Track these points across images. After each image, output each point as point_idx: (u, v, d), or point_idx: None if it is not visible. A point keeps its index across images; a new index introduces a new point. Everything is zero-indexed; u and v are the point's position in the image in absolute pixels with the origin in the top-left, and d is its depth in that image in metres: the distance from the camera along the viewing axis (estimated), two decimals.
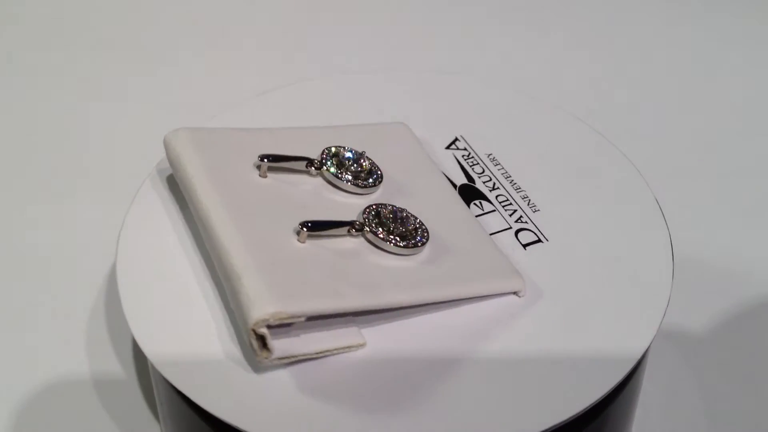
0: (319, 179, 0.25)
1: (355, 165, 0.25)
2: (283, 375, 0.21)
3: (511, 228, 0.26)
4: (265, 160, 0.24)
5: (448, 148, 0.28)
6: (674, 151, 0.37)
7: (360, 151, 0.26)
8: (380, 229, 0.23)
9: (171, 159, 0.25)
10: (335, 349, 0.22)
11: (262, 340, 0.21)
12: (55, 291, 0.32)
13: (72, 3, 0.44)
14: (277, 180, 0.25)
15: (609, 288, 0.24)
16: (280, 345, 0.21)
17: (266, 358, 0.21)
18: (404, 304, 0.22)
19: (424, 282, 0.23)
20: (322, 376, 0.22)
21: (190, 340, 0.22)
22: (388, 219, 0.24)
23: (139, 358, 0.30)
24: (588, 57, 0.42)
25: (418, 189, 0.26)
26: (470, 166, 0.28)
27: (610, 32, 0.43)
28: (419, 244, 0.24)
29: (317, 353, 0.22)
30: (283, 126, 0.27)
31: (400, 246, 0.23)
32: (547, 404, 0.21)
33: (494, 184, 0.27)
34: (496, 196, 0.27)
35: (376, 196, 0.25)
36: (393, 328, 0.23)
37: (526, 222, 0.26)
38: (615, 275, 0.24)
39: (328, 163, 0.25)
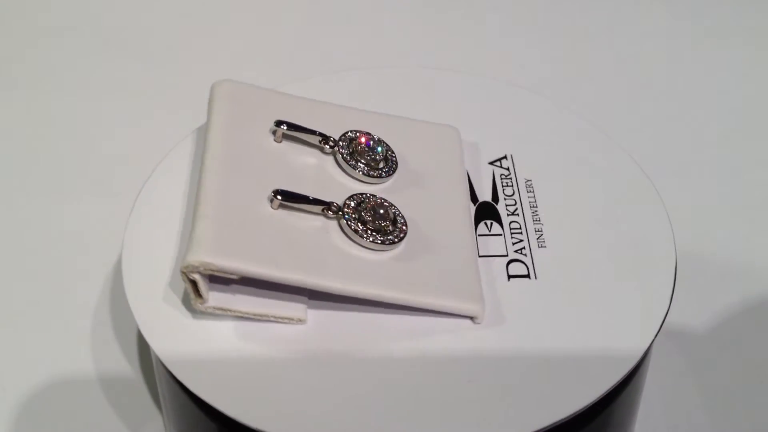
0: (331, 158, 0.26)
1: (370, 153, 0.26)
2: (289, 369, 0.22)
3: (506, 256, 0.25)
4: (282, 126, 0.25)
5: (491, 163, 0.28)
6: (677, 147, 0.37)
7: (384, 141, 0.26)
8: (354, 216, 0.24)
9: (208, 105, 0.26)
10: (273, 317, 0.23)
11: (195, 285, 0.22)
12: (59, 287, 0.32)
13: (79, 1, 0.44)
14: (288, 148, 0.25)
15: (610, 289, 0.24)
16: (217, 296, 0.23)
17: (201, 304, 0.22)
18: (343, 293, 0.23)
19: (377, 278, 0.23)
20: (326, 372, 0.22)
21: (196, 335, 0.23)
22: (368, 210, 0.24)
23: (144, 353, 0.30)
24: (589, 54, 0.42)
25: (430, 192, 0.26)
26: (503, 187, 0.27)
27: (612, 30, 0.43)
28: (387, 242, 0.24)
29: (254, 314, 0.23)
30: (330, 102, 0.27)
31: (367, 238, 0.23)
32: (547, 402, 0.21)
33: (515, 209, 0.26)
34: (510, 223, 0.26)
35: (379, 188, 0.25)
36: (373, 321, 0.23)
37: (525, 255, 0.25)
38: (613, 285, 0.24)
39: (342, 143, 0.25)
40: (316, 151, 0.26)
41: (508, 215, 0.26)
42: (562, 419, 0.21)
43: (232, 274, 0.22)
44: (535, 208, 0.26)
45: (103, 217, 0.34)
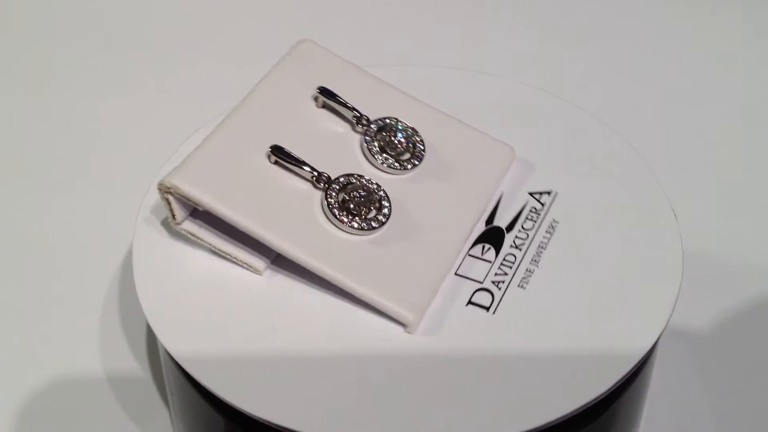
0: (359, 137, 0.26)
1: (398, 143, 0.26)
2: (295, 365, 0.22)
3: (479, 283, 0.24)
4: (322, 95, 0.26)
5: (532, 193, 0.27)
6: (683, 147, 0.37)
7: (418, 135, 0.26)
8: (336, 193, 0.24)
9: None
10: (233, 258, 0.24)
11: (169, 205, 0.24)
12: (68, 283, 0.32)
13: (86, 0, 0.44)
14: (324, 116, 0.26)
15: (613, 290, 0.24)
16: (193, 225, 0.24)
17: (175, 225, 0.24)
18: (287, 255, 0.23)
19: (328, 255, 0.23)
20: (328, 366, 0.22)
21: (205, 330, 0.23)
22: (353, 191, 0.24)
23: (152, 348, 0.30)
24: (595, 54, 0.42)
25: (443, 198, 0.25)
26: (525, 219, 0.26)
27: (614, 31, 0.43)
28: (355, 226, 0.24)
29: (220, 250, 0.24)
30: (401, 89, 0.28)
31: (338, 218, 0.24)
32: (548, 398, 0.22)
33: (522, 244, 0.25)
34: (507, 255, 0.25)
35: (393, 177, 0.25)
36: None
37: (499, 289, 0.24)
38: (613, 289, 0.24)
39: (374, 126, 0.26)
40: (349, 127, 0.26)
41: (510, 247, 0.25)
42: (563, 416, 0.21)
43: (194, 203, 0.23)
44: (542, 250, 0.25)
45: (109, 214, 0.34)
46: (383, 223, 0.24)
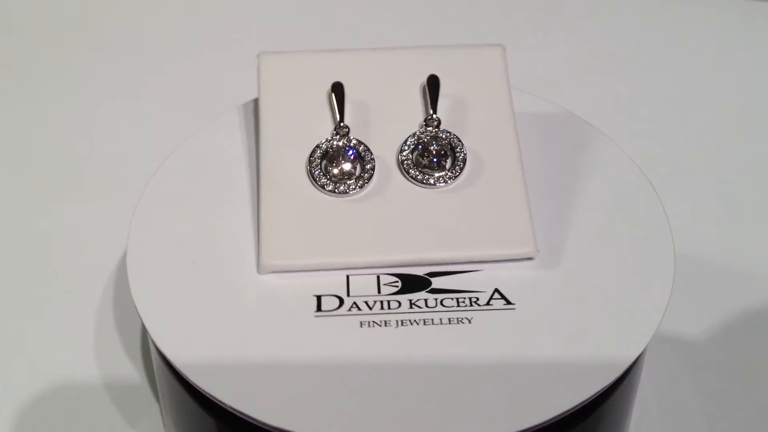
0: (417, 130, 0.27)
1: (432, 157, 0.26)
2: (292, 365, 0.23)
3: (345, 294, 0.24)
4: (427, 82, 0.27)
5: (497, 290, 0.24)
6: (676, 151, 0.37)
7: (463, 164, 0.26)
8: (325, 145, 0.26)
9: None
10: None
11: None
12: (63, 285, 0.32)
13: (85, 2, 0.43)
14: (415, 100, 0.27)
15: (606, 291, 0.24)
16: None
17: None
18: (260, 164, 0.26)
19: (284, 187, 0.26)
20: (321, 362, 0.23)
21: (201, 333, 0.23)
22: (342, 154, 0.26)
23: (146, 351, 0.30)
24: (590, 57, 0.42)
25: (421, 222, 0.25)
26: (454, 299, 0.24)
27: (613, 34, 0.43)
28: (313, 177, 0.26)
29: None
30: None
31: (310, 164, 0.26)
32: (536, 402, 0.22)
33: (419, 306, 0.24)
34: (395, 301, 0.24)
35: (409, 183, 0.26)
36: None
37: (349, 310, 0.24)
38: (609, 283, 0.24)
39: (429, 129, 0.26)
40: (418, 122, 0.27)
41: (409, 300, 0.24)
42: (549, 420, 0.22)
43: (259, 78, 0.27)
44: (419, 326, 0.24)
45: (104, 216, 0.34)
46: (339, 193, 0.25)
